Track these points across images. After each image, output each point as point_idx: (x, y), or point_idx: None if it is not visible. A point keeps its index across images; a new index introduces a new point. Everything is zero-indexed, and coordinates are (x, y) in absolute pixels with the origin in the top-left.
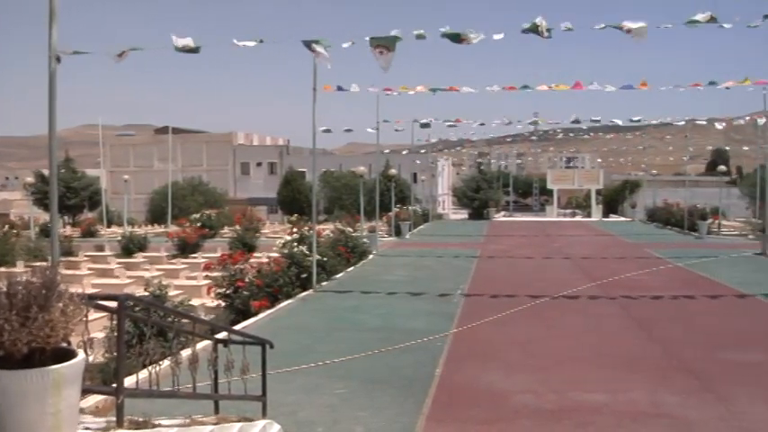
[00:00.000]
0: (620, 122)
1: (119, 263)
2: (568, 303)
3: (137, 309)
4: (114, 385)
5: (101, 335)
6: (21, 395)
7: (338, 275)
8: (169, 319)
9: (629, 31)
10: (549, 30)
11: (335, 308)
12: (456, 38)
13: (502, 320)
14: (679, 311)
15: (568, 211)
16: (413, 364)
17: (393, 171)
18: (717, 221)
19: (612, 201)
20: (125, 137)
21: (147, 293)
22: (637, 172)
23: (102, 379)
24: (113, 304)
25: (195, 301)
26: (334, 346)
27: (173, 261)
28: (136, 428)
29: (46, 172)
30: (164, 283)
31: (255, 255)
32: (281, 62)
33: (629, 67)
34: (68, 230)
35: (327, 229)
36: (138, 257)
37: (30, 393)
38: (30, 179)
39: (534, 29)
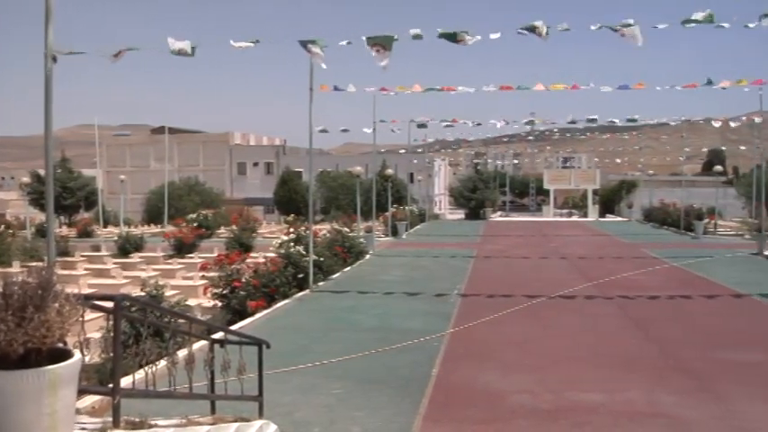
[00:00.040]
0: (617, 122)
1: (115, 263)
2: (565, 303)
3: (133, 309)
4: (111, 385)
5: (97, 335)
6: (17, 395)
7: (335, 275)
8: (166, 320)
9: (623, 35)
10: (547, 31)
11: (332, 308)
12: (453, 37)
13: (498, 320)
14: (676, 311)
15: (565, 211)
16: (409, 364)
17: (390, 171)
18: (713, 221)
19: (609, 201)
20: (121, 137)
21: (143, 294)
22: (633, 172)
23: (99, 379)
24: (110, 304)
25: (192, 302)
26: (331, 347)
27: (169, 261)
28: (132, 429)
29: (42, 172)
30: (160, 283)
31: (252, 255)
32: (277, 62)
33: (627, 66)
34: (65, 230)
35: (324, 229)
36: (135, 258)
37: (26, 394)
38: (26, 179)
39: (532, 29)
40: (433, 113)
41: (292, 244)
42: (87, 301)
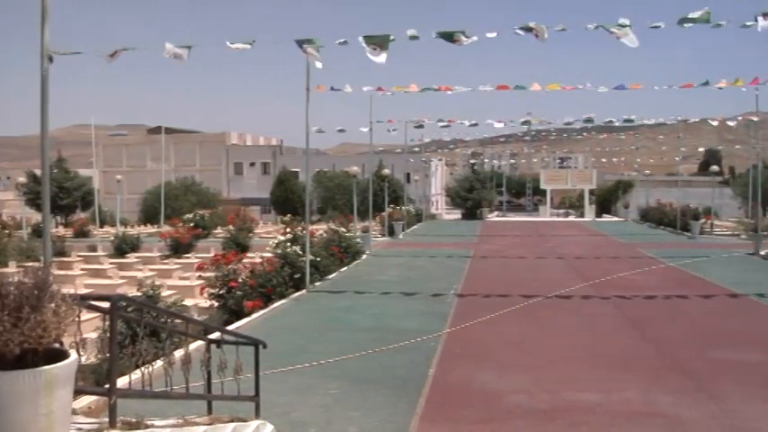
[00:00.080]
0: (615, 120)
1: (111, 263)
2: (562, 303)
3: (129, 309)
4: (107, 386)
5: (93, 335)
6: (13, 396)
7: (331, 276)
8: (162, 320)
9: (618, 37)
10: (546, 33)
11: (329, 308)
12: (450, 37)
13: (495, 320)
14: (672, 311)
15: (561, 211)
16: (406, 364)
17: (386, 171)
18: (709, 221)
19: (605, 201)
20: (118, 137)
21: (139, 294)
22: (630, 172)
23: (95, 380)
24: (106, 305)
25: (188, 302)
26: (328, 347)
27: (165, 261)
28: (128, 429)
29: (38, 172)
30: (156, 283)
31: (249, 255)
32: (274, 62)
33: (624, 66)
34: (61, 231)
35: (321, 229)
36: (131, 258)
37: (22, 394)
38: (22, 179)
39: (529, 29)
40: (430, 113)
41: (289, 244)
42: (83, 301)
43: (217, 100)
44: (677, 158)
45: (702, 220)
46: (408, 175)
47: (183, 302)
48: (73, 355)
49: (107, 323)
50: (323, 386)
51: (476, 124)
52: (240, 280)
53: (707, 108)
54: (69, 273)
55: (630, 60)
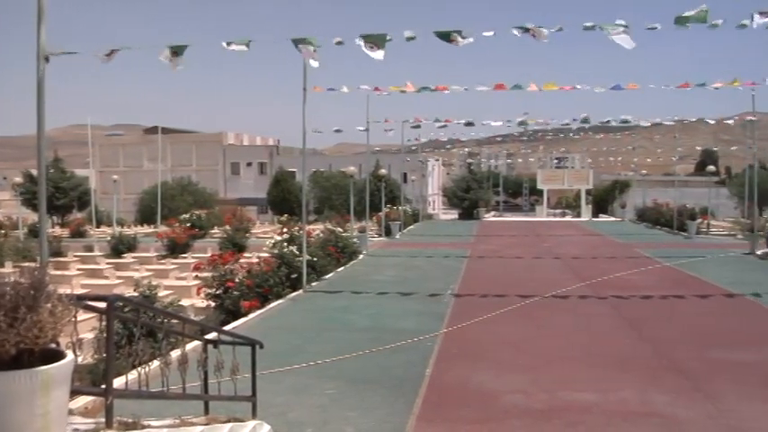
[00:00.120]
0: (612, 120)
1: (108, 263)
2: (558, 303)
3: (126, 309)
4: (103, 386)
5: (90, 336)
6: (9, 396)
7: (328, 276)
8: (158, 320)
9: (614, 38)
10: (546, 34)
11: (325, 308)
12: (447, 37)
13: (492, 320)
14: (669, 311)
15: (558, 211)
16: (403, 365)
17: (383, 171)
18: (706, 221)
19: (602, 201)
20: (114, 137)
21: (136, 294)
22: (626, 172)
23: (92, 380)
24: (102, 305)
25: (185, 302)
26: (324, 347)
27: (162, 261)
28: (125, 429)
29: (34, 172)
30: (153, 283)
31: (245, 255)
32: (271, 62)
33: (621, 66)
34: (57, 231)
35: (317, 229)
36: (128, 258)
37: (18, 395)
38: (18, 179)
39: (526, 29)
40: (427, 113)
41: (286, 244)
42: (80, 301)
43: (213, 100)
44: (674, 158)
45: (699, 220)
46: (405, 175)
47: (180, 303)
48: (69, 355)
49: (104, 323)
50: (320, 386)
51: (472, 124)
52: (237, 280)
53: (703, 108)
54: (66, 273)
55: (627, 60)
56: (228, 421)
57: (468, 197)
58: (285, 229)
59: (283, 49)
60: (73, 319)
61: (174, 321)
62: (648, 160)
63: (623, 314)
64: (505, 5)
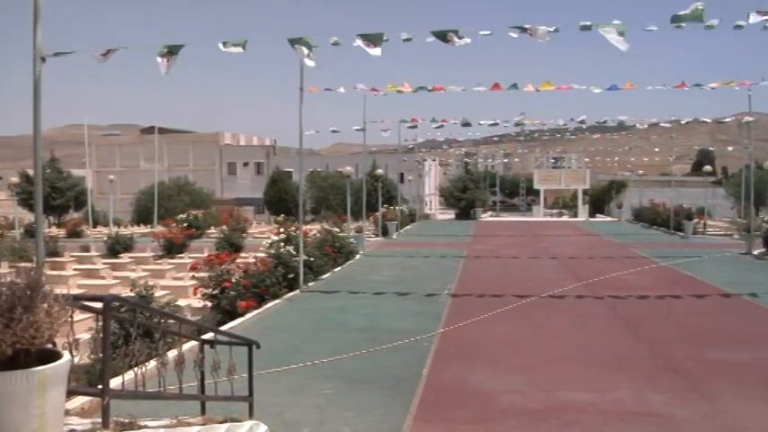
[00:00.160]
0: (608, 120)
1: (104, 263)
2: (555, 303)
3: (122, 309)
4: (100, 386)
5: (86, 336)
6: (5, 397)
7: (325, 276)
8: (155, 320)
9: (609, 39)
10: (547, 34)
11: (322, 308)
12: (443, 37)
13: (489, 320)
14: (665, 311)
15: (555, 211)
16: (400, 365)
17: (380, 171)
18: (702, 221)
19: (599, 201)
20: (111, 137)
21: (133, 294)
22: (623, 172)
23: (88, 380)
24: (99, 305)
25: (182, 302)
26: (321, 347)
27: (159, 261)
28: (122, 430)
29: (31, 172)
30: (150, 283)
31: (242, 255)
32: (268, 62)
33: (617, 66)
34: (54, 231)
35: (314, 229)
36: (124, 258)
37: (14, 395)
38: (14, 179)
39: (523, 29)
40: (424, 113)
41: (282, 244)
42: (76, 301)
43: (210, 100)
44: (670, 158)
45: (695, 220)
46: (402, 175)
47: (177, 303)
48: (66, 355)
49: (100, 323)
50: (316, 386)
51: (469, 124)
52: (233, 280)
53: (700, 108)
54: (62, 273)
55: (624, 60)
56: (225, 421)
57: (464, 197)
58: (282, 230)
59: (280, 49)
60: (69, 320)
61: (171, 321)
62: (645, 159)
63: (620, 314)
64: (502, 6)
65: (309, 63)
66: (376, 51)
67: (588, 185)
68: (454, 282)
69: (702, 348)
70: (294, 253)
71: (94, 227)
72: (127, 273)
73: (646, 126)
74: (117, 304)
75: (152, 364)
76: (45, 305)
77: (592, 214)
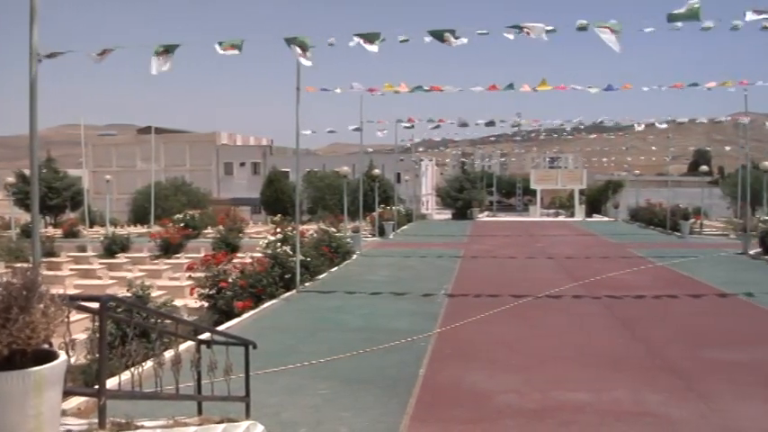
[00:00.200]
0: (607, 119)
1: (101, 263)
2: (552, 303)
3: (119, 310)
4: (96, 387)
5: (83, 336)
6: (1, 398)
7: (322, 276)
8: (152, 320)
9: (604, 38)
10: (545, 33)
11: (319, 308)
12: (440, 37)
13: (485, 320)
14: (662, 311)
15: (552, 211)
16: (396, 365)
17: (377, 171)
18: (699, 221)
19: (595, 201)
20: (107, 137)
21: (129, 294)
22: (620, 172)
23: (85, 380)
24: (95, 305)
25: (178, 302)
26: (318, 347)
27: (155, 262)
28: (118, 430)
29: (27, 172)
30: (146, 283)
31: (239, 255)
32: (265, 62)
33: (614, 67)
34: (50, 231)
35: (311, 229)
36: (121, 258)
37: (11, 396)
38: (11, 179)
39: (519, 28)
40: (421, 113)
41: (279, 244)
42: (73, 301)
43: (207, 100)
44: (667, 158)
45: (692, 220)
46: (399, 175)
47: (173, 303)
48: (62, 355)
49: (96, 324)
50: (313, 386)
51: (466, 124)
52: (230, 280)
53: (696, 108)
54: (58, 273)
55: (620, 61)
56: (222, 422)
57: (461, 197)
58: (278, 230)
59: (277, 48)
60: (66, 320)
61: (168, 322)
62: (642, 158)
63: (616, 314)
64: (499, 6)
65: (306, 63)
66: (373, 48)
67: (585, 185)
68: (451, 282)
69: (699, 348)
70: (291, 253)
71: (91, 227)
72: (123, 273)
73: (642, 126)
74: (113, 304)
75: (149, 364)
76: (41, 305)
77: (588, 214)
